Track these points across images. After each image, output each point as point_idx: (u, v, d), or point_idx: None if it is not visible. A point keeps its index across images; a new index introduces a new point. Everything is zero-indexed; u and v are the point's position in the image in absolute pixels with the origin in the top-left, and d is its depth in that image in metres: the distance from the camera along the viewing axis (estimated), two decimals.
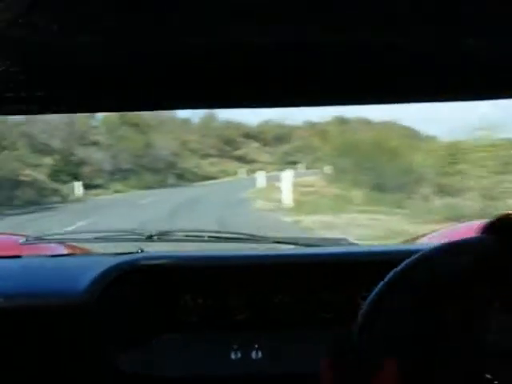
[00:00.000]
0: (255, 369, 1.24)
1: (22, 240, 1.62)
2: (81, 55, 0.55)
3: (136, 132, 30.54)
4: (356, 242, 1.68)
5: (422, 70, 0.65)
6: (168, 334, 1.32)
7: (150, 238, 1.58)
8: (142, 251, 1.50)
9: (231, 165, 44.40)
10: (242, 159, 46.86)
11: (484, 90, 0.75)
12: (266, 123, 52.07)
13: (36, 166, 24.72)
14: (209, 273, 1.34)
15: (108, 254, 1.54)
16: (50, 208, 16.49)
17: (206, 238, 1.63)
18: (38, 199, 19.83)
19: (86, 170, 28.07)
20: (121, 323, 1.28)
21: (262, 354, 1.26)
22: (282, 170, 31.73)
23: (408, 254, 0.74)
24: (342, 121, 61.16)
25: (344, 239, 1.65)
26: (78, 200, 20.44)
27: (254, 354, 1.28)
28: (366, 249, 1.58)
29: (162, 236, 1.60)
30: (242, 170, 40.10)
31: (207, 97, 0.73)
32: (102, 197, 23.73)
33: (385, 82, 0.69)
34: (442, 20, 0.51)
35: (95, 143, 30.64)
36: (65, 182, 23.71)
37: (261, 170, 35.62)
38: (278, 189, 16.03)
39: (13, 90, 0.65)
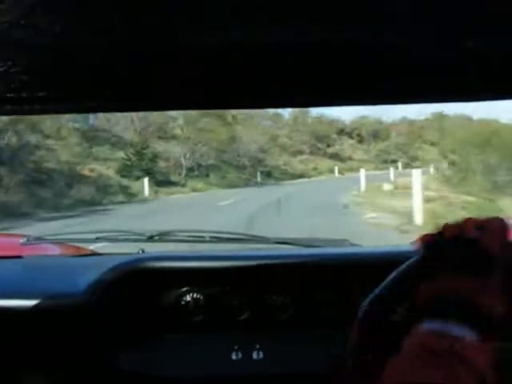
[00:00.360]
0: (256, 369, 1.28)
1: (22, 240, 1.66)
2: (80, 55, 0.60)
3: (219, 124, 29.11)
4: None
5: (421, 70, 0.68)
6: (169, 334, 1.36)
7: (151, 239, 1.61)
8: (143, 251, 1.56)
9: (324, 162, 42.07)
10: (335, 157, 44.28)
11: (484, 90, 0.78)
12: (361, 119, 50.47)
13: (105, 161, 23.98)
14: (210, 273, 1.38)
15: (109, 254, 1.61)
16: (109, 210, 15.33)
17: (206, 239, 1.66)
18: (102, 197, 18.68)
19: (161, 165, 26.79)
20: (121, 323, 1.32)
21: (263, 354, 1.30)
22: (380, 169, 29.55)
23: (409, 254, 0.81)
24: (441, 117, 58.27)
25: (345, 240, 1.63)
26: (146, 200, 19.03)
27: (254, 355, 1.30)
28: (366, 250, 1.61)
29: (163, 236, 1.64)
30: (336, 169, 38.10)
31: (207, 97, 0.77)
32: (177, 196, 21.97)
33: (385, 81, 0.73)
34: (442, 20, 0.54)
35: (173, 136, 29.53)
36: (137, 178, 22.46)
37: (358, 168, 32.84)
38: (387, 193, 14.37)
39: (13, 90, 0.70)
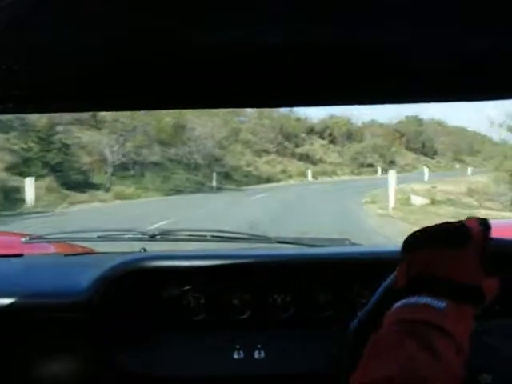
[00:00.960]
0: (257, 368, 1.37)
1: (24, 239, 1.78)
2: (80, 55, 0.65)
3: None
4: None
5: (421, 70, 0.73)
6: (170, 333, 1.46)
7: (152, 238, 1.72)
8: (144, 250, 1.70)
9: (293, 164, 37.42)
10: (305, 158, 39.74)
11: (484, 90, 0.83)
12: (331, 118, 47.63)
13: None
14: (211, 272, 1.49)
15: (110, 253, 1.76)
16: None
17: (208, 238, 1.78)
18: None
19: (79, 160, 20.75)
20: (123, 322, 1.44)
21: (265, 353, 1.38)
22: (356, 173, 30.88)
23: None
24: (417, 121, 58.10)
25: (346, 239, 1.75)
26: (26, 211, 13.81)
27: (256, 354, 1.38)
28: (367, 249, 1.73)
29: (165, 235, 1.75)
30: (310, 172, 34.56)
31: (207, 96, 0.82)
32: (89, 206, 15.99)
33: (385, 81, 0.77)
34: (442, 20, 0.58)
35: (99, 121, 23.13)
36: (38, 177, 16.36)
37: (333, 171, 33.46)
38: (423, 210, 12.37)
39: (13, 90, 0.75)
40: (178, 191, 20.88)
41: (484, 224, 0.74)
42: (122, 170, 21.05)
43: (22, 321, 1.37)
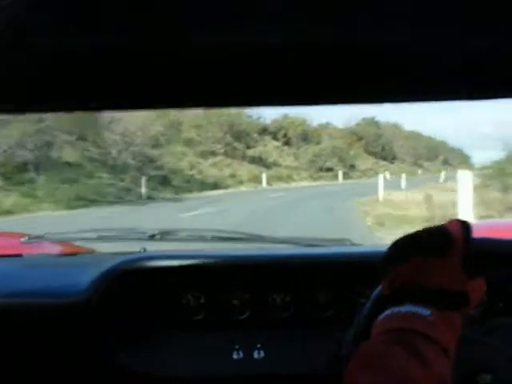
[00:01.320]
0: (257, 368, 1.41)
1: (23, 239, 1.81)
2: (80, 55, 0.65)
3: None
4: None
5: (421, 70, 0.73)
6: (169, 333, 1.50)
7: (152, 238, 1.76)
8: (144, 250, 1.74)
9: (244, 167, 33.45)
10: (258, 161, 34.58)
11: (484, 90, 0.83)
12: (285, 118, 43.29)
13: None
14: (211, 272, 1.54)
15: (110, 253, 1.81)
16: None
17: (208, 238, 1.83)
18: None
19: None
20: (122, 322, 1.48)
21: (264, 353, 1.41)
22: (315, 178, 28.92)
23: None
24: (375, 124, 54.01)
25: (346, 239, 1.79)
26: None
27: (255, 354, 1.40)
28: (367, 249, 1.75)
29: (165, 235, 1.80)
30: (265, 177, 29.48)
31: (207, 96, 0.82)
32: None
33: (385, 81, 0.77)
34: (442, 20, 0.60)
35: None
36: None
37: (289, 176, 30.17)
38: None
39: (13, 90, 0.75)
40: (91, 201, 15.63)
41: (465, 226, 0.76)
42: (23, 171, 15.66)
43: (22, 321, 1.42)
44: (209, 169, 31.42)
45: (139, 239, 1.75)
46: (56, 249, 1.94)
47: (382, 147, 57.82)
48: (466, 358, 0.81)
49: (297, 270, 1.50)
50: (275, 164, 39.57)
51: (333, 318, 1.43)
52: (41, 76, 0.70)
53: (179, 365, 1.40)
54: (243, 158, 36.96)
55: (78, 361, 1.39)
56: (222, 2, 0.53)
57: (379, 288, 0.83)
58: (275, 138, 44.77)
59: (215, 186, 27.90)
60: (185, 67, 0.69)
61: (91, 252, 2.00)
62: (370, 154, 55.35)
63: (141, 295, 1.46)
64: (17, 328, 1.39)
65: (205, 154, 33.35)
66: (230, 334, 1.42)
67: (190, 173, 28.61)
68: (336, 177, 39.48)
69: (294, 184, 35.41)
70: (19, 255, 1.73)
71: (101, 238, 1.81)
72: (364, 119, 59.85)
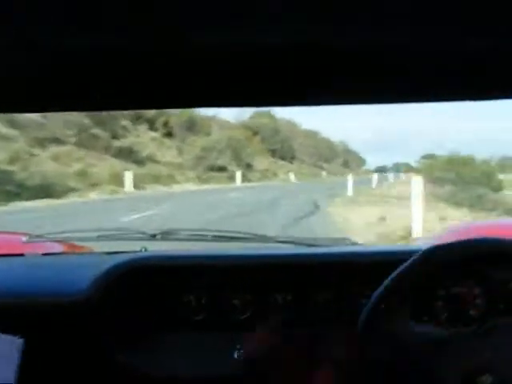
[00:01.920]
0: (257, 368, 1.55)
1: (24, 238, 1.84)
2: (80, 55, 0.66)
3: None
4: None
5: (421, 70, 0.76)
6: (170, 333, 1.51)
7: (153, 237, 1.78)
8: (145, 250, 1.74)
9: (105, 163, 24.53)
10: (126, 155, 26.95)
11: (484, 90, 0.86)
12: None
13: None
14: (211, 272, 1.56)
15: (111, 252, 1.79)
16: None
17: (209, 238, 1.87)
18: None
19: None
20: (123, 322, 1.50)
21: None
22: (205, 179, 22.63)
23: (410, 253, 0.91)
24: (270, 117, 46.28)
25: (346, 239, 1.81)
26: None
27: None
28: (367, 248, 1.81)
29: (166, 235, 1.83)
30: (128, 178, 22.22)
31: (207, 96, 0.85)
32: None
33: (385, 82, 0.80)
34: (442, 20, 0.60)
35: None
36: None
37: (169, 176, 23.40)
38: None
39: (13, 90, 0.77)
40: None
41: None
42: None
43: (22, 320, 1.41)
44: (46, 162, 21.56)
45: (139, 239, 1.77)
46: (57, 248, 1.97)
47: (281, 145, 50.93)
48: (466, 358, 0.87)
49: (297, 270, 1.52)
50: (151, 159, 30.77)
51: (333, 317, 1.46)
52: (41, 76, 0.70)
53: (179, 365, 1.42)
54: (106, 149, 27.66)
55: (77, 360, 1.41)
56: (222, 2, 0.53)
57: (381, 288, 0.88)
58: (153, 128, 35.79)
59: (48, 191, 17.72)
60: (185, 67, 0.69)
61: (91, 252, 2.05)
62: (268, 151, 48.25)
63: (141, 295, 1.48)
64: (17, 327, 1.34)
65: (43, 142, 23.26)
66: (230, 334, 1.43)
67: (11, 168, 18.16)
68: (231, 178, 32.78)
69: (176, 187, 26.89)
70: (20, 255, 1.74)
71: (102, 238, 1.83)
72: (258, 112, 50.99)
